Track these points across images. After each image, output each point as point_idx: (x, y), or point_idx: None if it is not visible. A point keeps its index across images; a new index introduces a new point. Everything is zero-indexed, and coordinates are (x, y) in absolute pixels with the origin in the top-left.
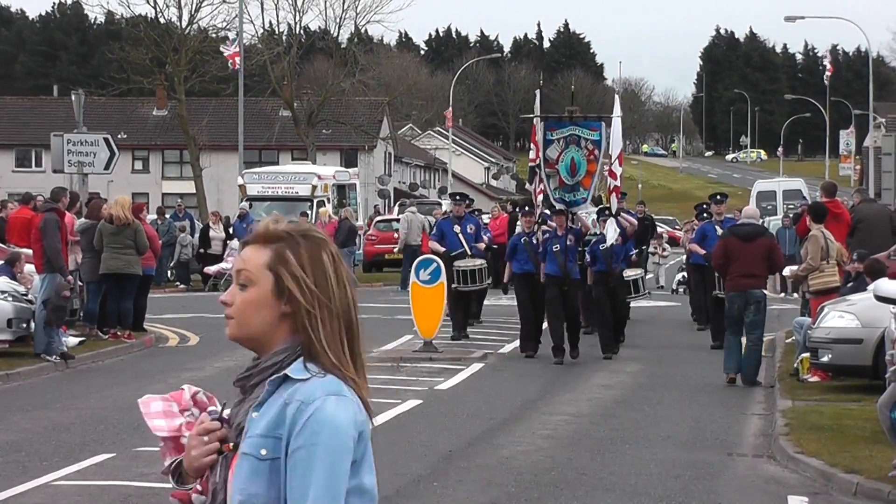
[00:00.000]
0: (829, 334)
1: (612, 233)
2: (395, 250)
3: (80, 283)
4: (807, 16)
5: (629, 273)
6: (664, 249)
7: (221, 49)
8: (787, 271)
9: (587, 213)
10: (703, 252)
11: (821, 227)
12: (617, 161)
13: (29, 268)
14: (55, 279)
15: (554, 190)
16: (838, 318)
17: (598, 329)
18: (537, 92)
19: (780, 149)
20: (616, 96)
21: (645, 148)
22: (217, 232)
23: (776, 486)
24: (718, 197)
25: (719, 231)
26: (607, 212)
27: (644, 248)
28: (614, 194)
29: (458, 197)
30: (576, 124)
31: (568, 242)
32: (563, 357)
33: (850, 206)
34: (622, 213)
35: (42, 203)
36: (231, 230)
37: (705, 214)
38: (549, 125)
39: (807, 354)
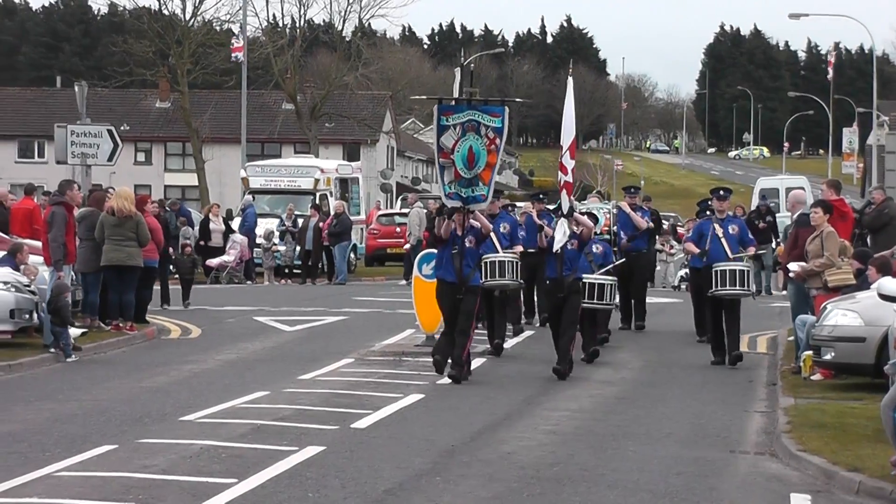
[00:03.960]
0: (832, 332)
1: (560, 235)
2: (407, 246)
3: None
4: (811, 13)
5: (597, 278)
6: (671, 247)
7: (233, 42)
8: (795, 267)
9: (605, 211)
10: (697, 251)
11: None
12: (568, 153)
13: (33, 259)
14: (59, 281)
15: (448, 184)
16: (841, 316)
17: (556, 344)
18: (457, 70)
19: (786, 145)
20: (569, 78)
21: (648, 144)
22: (217, 225)
23: (778, 483)
24: (721, 192)
25: (718, 230)
26: (560, 211)
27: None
28: (565, 191)
29: None
30: (475, 108)
31: (467, 244)
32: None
33: (867, 203)
34: (639, 211)
35: (51, 196)
36: (234, 223)
37: (708, 212)
38: (445, 109)
39: (810, 352)
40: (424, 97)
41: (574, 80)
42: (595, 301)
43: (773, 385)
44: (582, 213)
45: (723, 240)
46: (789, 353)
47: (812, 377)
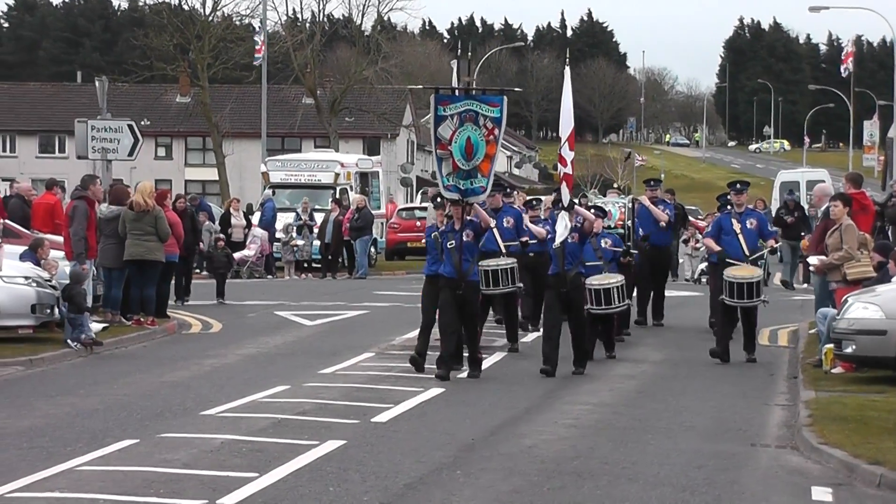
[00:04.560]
0: (853, 325)
1: (562, 229)
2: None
3: (97, 270)
4: (831, 6)
5: (603, 281)
6: (697, 241)
7: (255, 38)
8: (814, 260)
9: (619, 205)
10: (717, 249)
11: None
12: (567, 144)
13: (54, 254)
14: (75, 269)
15: (446, 175)
16: (862, 309)
17: (543, 343)
18: (453, 63)
19: (807, 138)
20: (566, 69)
21: (667, 138)
22: (238, 219)
23: (799, 477)
24: (738, 186)
25: (736, 225)
26: (560, 204)
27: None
28: (565, 184)
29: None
30: (473, 98)
31: (465, 238)
32: (447, 371)
33: (889, 196)
34: (660, 204)
35: (73, 190)
36: (254, 217)
37: (729, 207)
38: (442, 99)
39: (831, 345)
40: (421, 87)
41: (594, 74)
42: (604, 307)
43: (794, 378)
44: (590, 208)
45: (740, 235)
46: (810, 346)
47: (833, 370)
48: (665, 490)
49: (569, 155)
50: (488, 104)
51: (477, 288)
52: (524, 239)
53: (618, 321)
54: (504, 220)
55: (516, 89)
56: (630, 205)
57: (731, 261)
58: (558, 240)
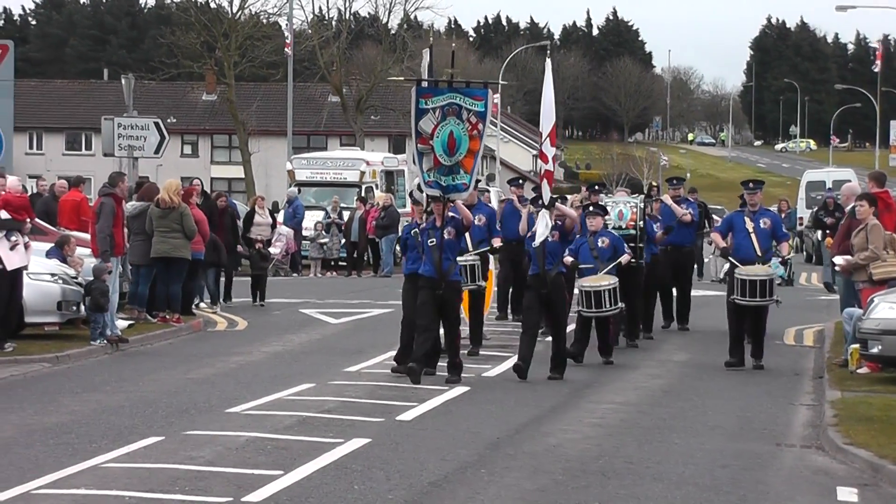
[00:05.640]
0: (879, 325)
1: (542, 227)
2: None
3: (123, 267)
4: (858, 5)
5: (594, 283)
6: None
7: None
8: (840, 260)
9: (631, 205)
10: (724, 245)
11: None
12: (548, 140)
13: (80, 251)
14: (97, 264)
15: (427, 171)
16: (888, 309)
17: (520, 342)
18: (425, 52)
19: (834, 139)
20: (548, 60)
21: (691, 136)
22: (263, 217)
23: (824, 477)
24: (751, 184)
25: (749, 224)
26: (540, 202)
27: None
28: (545, 180)
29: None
30: (456, 91)
31: (446, 236)
32: (419, 376)
33: None
34: (683, 203)
35: (101, 187)
36: (278, 215)
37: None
38: (423, 91)
39: (857, 345)
40: (402, 79)
41: (620, 73)
42: (594, 310)
43: (820, 378)
44: (594, 207)
45: (752, 235)
46: (836, 346)
47: (859, 370)
48: (690, 489)
49: (550, 151)
50: (472, 97)
51: (458, 288)
52: (496, 242)
53: (614, 326)
54: (476, 217)
55: (502, 82)
56: (642, 205)
57: (737, 261)
58: (538, 239)
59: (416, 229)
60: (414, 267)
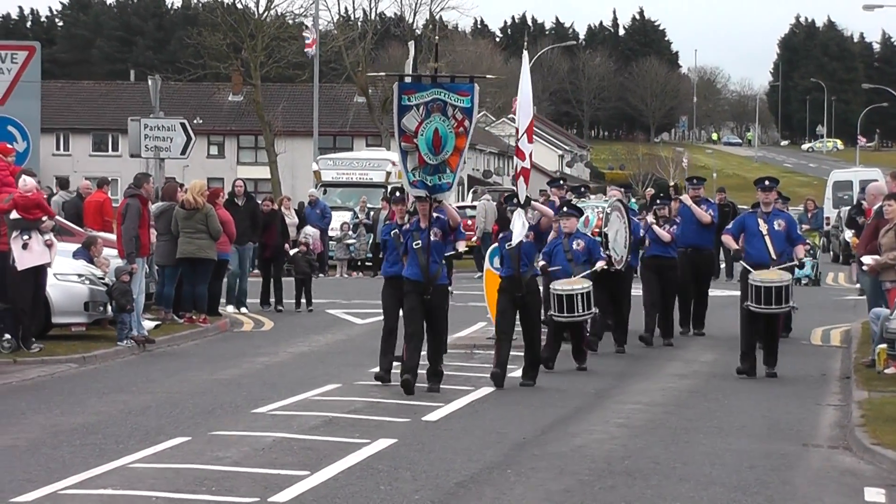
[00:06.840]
0: None
1: (519, 228)
2: (474, 238)
3: (150, 268)
4: (885, 4)
5: (566, 286)
6: None
7: (304, 34)
8: (868, 260)
9: (598, 210)
10: (736, 247)
11: None
12: (525, 136)
13: (107, 251)
14: (119, 265)
15: (412, 170)
16: None
17: (495, 347)
18: (411, 44)
19: (861, 139)
20: (524, 53)
21: (715, 136)
22: (290, 218)
23: (852, 477)
24: (767, 182)
25: (763, 226)
26: (515, 200)
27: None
28: (522, 178)
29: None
30: (440, 86)
31: (432, 237)
32: (413, 386)
33: None
34: (703, 204)
35: (127, 188)
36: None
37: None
38: (406, 87)
39: (884, 346)
40: (383, 74)
41: (646, 73)
42: (566, 314)
43: (847, 378)
44: (568, 207)
45: (766, 237)
46: (863, 346)
47: (886, 371)
48: (717, 490)
49: (527, 148)
50: (458, 93)
51: (446, 292)
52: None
53: (585, 330)
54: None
55: (489, 76)
56: (608, 210)
57: (750, 266)
58: (515, 239)
59: (397, 230)
60: (393, 270)
